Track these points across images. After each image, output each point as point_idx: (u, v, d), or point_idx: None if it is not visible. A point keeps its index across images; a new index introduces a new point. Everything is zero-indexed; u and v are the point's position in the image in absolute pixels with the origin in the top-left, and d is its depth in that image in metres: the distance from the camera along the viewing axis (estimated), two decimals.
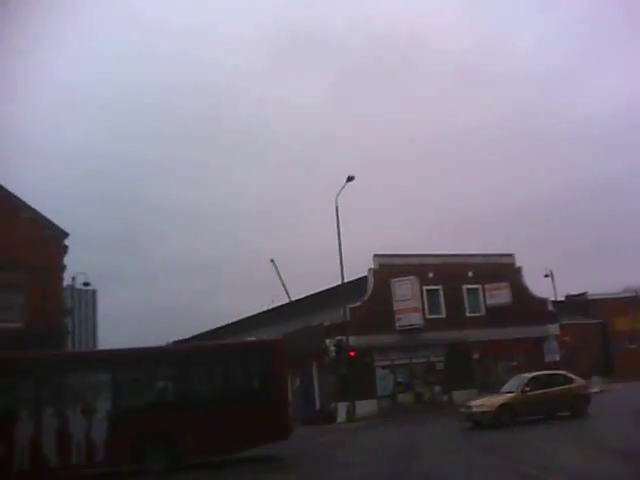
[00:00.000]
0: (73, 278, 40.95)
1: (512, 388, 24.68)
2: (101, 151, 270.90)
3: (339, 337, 35.00)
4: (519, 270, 42.96)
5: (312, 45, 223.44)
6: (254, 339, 22.98)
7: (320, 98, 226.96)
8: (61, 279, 35.13)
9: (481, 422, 23.24)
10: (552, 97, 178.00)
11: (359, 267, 39.61)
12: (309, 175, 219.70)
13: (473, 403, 24.45)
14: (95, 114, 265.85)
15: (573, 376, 25.73)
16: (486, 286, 40.86)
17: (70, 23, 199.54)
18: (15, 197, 34.20)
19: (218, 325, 55.72)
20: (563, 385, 24.48)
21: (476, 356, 39.03)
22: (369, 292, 38.09)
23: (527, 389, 23.85)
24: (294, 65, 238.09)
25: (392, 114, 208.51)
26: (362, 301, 37.64)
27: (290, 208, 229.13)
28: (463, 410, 24.38)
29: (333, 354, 34.89)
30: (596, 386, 38.47)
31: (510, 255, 43.24)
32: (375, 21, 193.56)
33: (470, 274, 40.97)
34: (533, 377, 24.89)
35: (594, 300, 50.56)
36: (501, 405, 23.32)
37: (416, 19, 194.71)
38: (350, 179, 35.78)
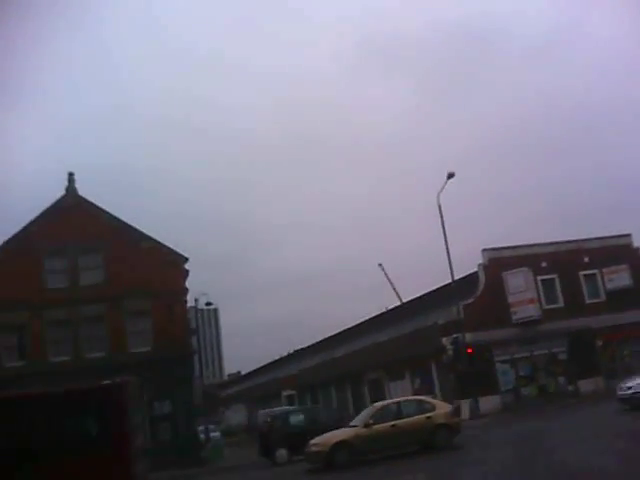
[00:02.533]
0: (196, 300, 42.70)
1: (357, 421, 21.66)
2: (203, 178, 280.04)
3: (455, 335, 34.91)
4: (638, 250, 41.24)
5: (391, 51, 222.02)
6: (90, 384, 18.96)
7: (408, 100, 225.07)
8: (185, 302, 37.09)
9: (318, 464, 20.47)
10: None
11: (468, 263, 39.47)
12: (410, 177, 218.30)
13: (314, 441, 21.11)
14: (196, 142, 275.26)
15: (436, 402, 22.52)
16: (604, 270, 39.49)
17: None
18: (134, 229, 36.50)
19: (335, 332, 56.82)
20: (421, 414, 20.72)
21: (600, 343, 37.78)
22: (481, 287, 37.79)
23: (371, 422, 20.39)
24: (376, 73, 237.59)
25: (481, 106, 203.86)
26: (475, 297, 37.41)
27: (394, 211, 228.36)
28: (306, 449, 21.33)
29: (450, 352, 34.85)
30: None
31: (627, 235, 41.54)
32: (449, 17, 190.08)
33: (586, 259, 39.77)
34: (382, 407, 21.76)
35: None
36: (336, 443, 20.07)
37: (489, 8, 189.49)
38: (451, 176, 35.66)
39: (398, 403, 22.15)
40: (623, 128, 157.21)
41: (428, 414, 20.67)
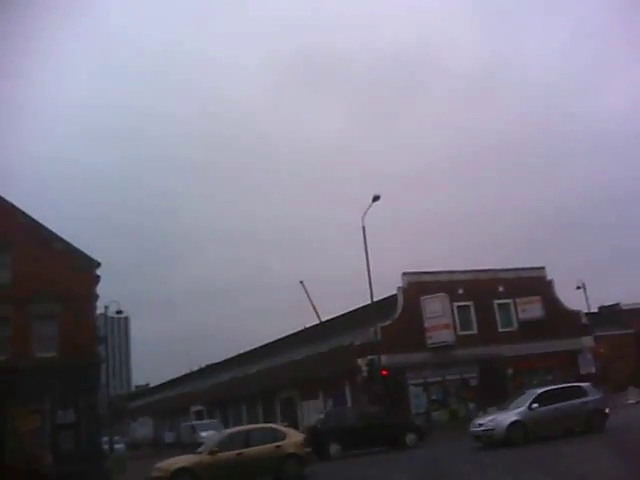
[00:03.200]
0: (106, 307, 41.46)
1: (203, 447, 20.63)
2: (121, 180, 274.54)
3: (371, 357, 34.90)
4: (550, 283, 42.47)
5: (323, 70, 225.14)
6: None
7: (335, 122, 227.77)
8: (94, 308, 35.71)
9: None
10: (571, 105, 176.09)
11: (388, 286, 39.63)
12: (334, 198, 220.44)
13: (156, 465, 19.83)
14: (113, 143, 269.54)
15: (289, 431, 21.68)
16: (517, 300, 40.47)
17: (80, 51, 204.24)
18: (46, 229, 34.97)
19: (250, 348, 56.12)
20: (271, 442, 19.82)
21: (510, 371, 38.56)
22: (399, 310, 38.02)
23: (217, 449, 19.35)
24: (306, 92, 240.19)
25: (409, 132, 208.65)
26: (392, 320, 37.57)
27: (318, 231, 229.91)
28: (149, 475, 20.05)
29: (365, 374, 34.78)
30: (632, 398, 38.01)
31: (541, 268, 42.81)
32: (384, 41, 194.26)
33: (501, 289, 40.66)
34: (231, 434, 21.07)
35: (628, 310, 49.70)
36: (177, 470, 18.77)
37: (425, 36, 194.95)
38: (376, 199, 35.63)
39: (248, 430, 21.41)
40: (552, 161, 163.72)
41: (278, 443, 19.88)
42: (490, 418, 22.97)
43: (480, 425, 22.80)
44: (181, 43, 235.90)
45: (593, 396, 23.38)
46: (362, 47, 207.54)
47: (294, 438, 20.58)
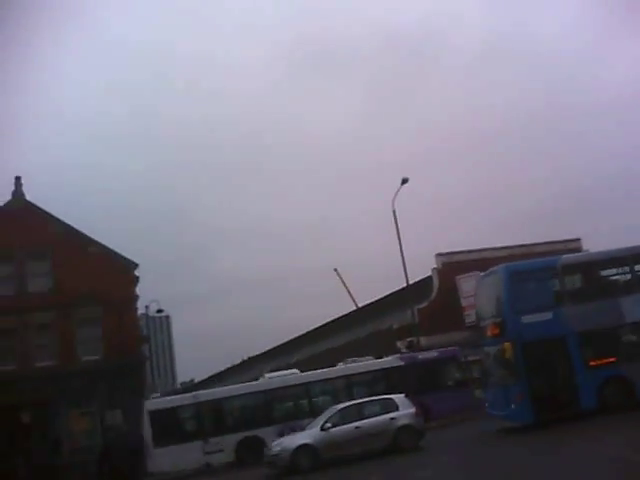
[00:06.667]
0: (147, 307, 42.06)
1: None
2: (144, 180, 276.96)
3: (410, 339, 34.96)
4: None
5: (332, 56, 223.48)
6: None
7: (352, 107, 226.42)
8: (135, 309, 36.32)
9: None
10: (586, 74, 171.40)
11: (422, 268, 39.64)
12: (363, 182, 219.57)
13: None
14: (134, 146, 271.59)
15: None
16: None
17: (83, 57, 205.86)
18: (82, 235, 35.65)
19: (290, 338, 56.55)
20: None
21: None
22: (435, 291, 38.01)
23: None
24: (316, 81, 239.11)
25: (426, 111, 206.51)
26: (429, 301, 37.59)
27: (347, 217, 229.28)
28: None
29: None
30: None
31: (576, 240, 42.24)
32: (389, 22, 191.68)
33: None
34: None
35: None
36: None
37: (429, 14, 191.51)
38: (405, 181, 35.54)
39: None
40: (568, 133, 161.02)
41: None
42: (277, 442, 20.77)
43: (269, 450, 20.63)
44: (189, 48, 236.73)
45: (404, 410, 20.55)
46: (363, 30, 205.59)
47: None
